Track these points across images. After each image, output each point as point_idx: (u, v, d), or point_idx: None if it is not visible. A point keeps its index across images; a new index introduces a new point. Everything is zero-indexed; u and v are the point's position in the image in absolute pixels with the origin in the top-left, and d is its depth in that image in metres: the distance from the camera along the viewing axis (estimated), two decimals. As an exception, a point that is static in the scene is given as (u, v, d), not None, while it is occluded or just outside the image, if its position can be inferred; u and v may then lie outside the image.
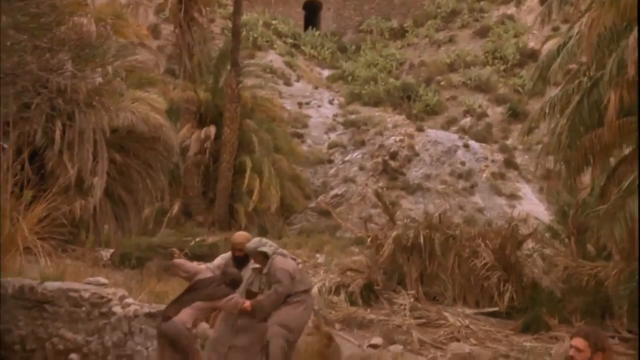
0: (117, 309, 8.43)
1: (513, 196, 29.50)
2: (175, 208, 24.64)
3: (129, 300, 8.60)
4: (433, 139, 31.54)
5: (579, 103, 11.36)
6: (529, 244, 13.80)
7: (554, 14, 12.95)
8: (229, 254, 7.82)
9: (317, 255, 19.07)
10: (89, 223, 14.55)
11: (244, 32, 35.81)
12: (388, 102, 36.07)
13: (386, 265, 12.99)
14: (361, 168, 30.50)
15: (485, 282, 12.51)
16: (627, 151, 11.51)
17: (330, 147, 32.85)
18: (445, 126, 34.35)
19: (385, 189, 28.54)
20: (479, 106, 35.40)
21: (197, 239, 14.43)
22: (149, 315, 8.21)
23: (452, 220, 14.39)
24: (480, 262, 12.60)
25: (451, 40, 41.01)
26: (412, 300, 12.03)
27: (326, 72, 40.65)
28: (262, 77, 31.09)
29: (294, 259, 7.70)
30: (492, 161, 31.21)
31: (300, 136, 33.24)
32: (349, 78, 38.86)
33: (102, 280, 9.10)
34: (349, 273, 13.09)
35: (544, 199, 28.49)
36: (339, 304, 11.98)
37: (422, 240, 12.83)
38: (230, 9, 31.60)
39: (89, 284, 8.88)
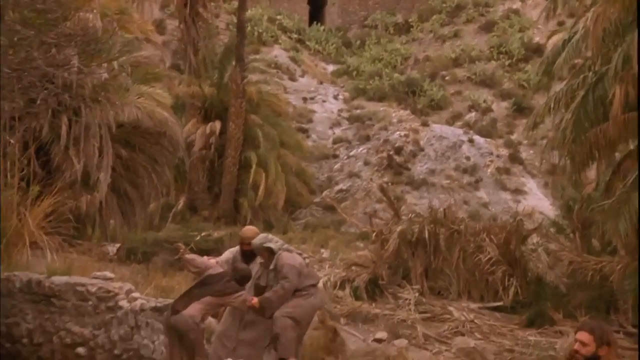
0: (124, 303, 8.47)
1: (518, 191, 29.50)
2: (181, 203, 24.69)
3: (136, 294, 8.64)
4: (438, 134, 31.53)
5: (584, 98, 11.34)
6: (534, 239, 13.82)
7: (559, 9, 12.93)
8: (236, 248, 7.85)
9: (322, 250, 19.08)
10: (95, 218, 14.60)
11: (249, 28, 35.82)
12: (393, 97, 36.07)
13: (391, 260, 13.03)
14: (366, 163, 30.52)
15: (490, 276, 12.54)
16: (632, 146, 11.49)
17: (335, 142, 32.87)
18: (450, 121, 34.35)
19: (390, 184, 28.57)
20: (484, 101, 35.37)
21: (203, 234, 14.46)
22: (155, 309, 8.25)
23: (456, 215, 14.42)
24: (485, 256, 12.63)
25: (456, 35, 40.95)
26: (417, 294, 12.07)
27: (331, 67, 40.65)
28: (267, 72, 31.11)
29: (300, 254, 7.74)
30: (497, 156, 31.20)
31: (305, 131, 33.25)
32: (354, 73, 38.86)
33: (109, 274, 9.14)
34: (354, 268, 13.13)
35: (549, 193, 28.47)
36: (344, 299, 12.02)
37: (427, 235, 12.87)
38: (235, 4, 31.60)
39: (95, 278, 8.92)
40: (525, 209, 20.92)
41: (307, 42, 42.11)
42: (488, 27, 40.71)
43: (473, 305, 12.06)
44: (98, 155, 13.89)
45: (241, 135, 25.17)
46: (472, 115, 34.75)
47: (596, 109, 11.20)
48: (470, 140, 31.49)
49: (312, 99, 36.20)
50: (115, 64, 14.29)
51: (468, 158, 30.56)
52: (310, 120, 34.33)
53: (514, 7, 42.01)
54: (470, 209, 27.23)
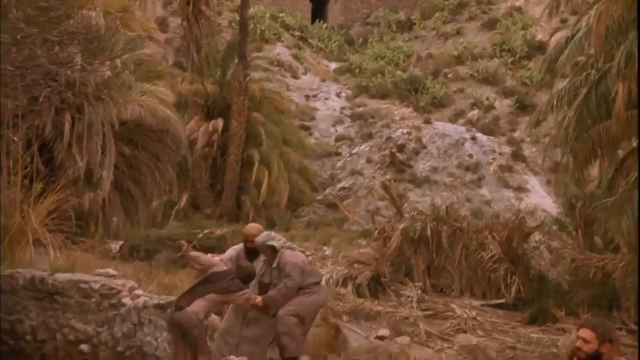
0: (127, 300, 8.48)
1: (520, 189, 29.48)
2: (183, 200, 24.73)
3: (139, 291, 8.64)
4: (440, 131, 31.51)
5: (587, 95, 11.35)
6: (536, 237, 13.84)
7: (562, 6, 12.93)
8: (240, 245, 7.86)
9: (325, 247, 19.11)
10: (98, 215, 14.62)
11: (252, 25, 35.82)
12: (395, 95, 36.05)
13: (393, 257, 13.05)
14: (368, 161, 30.51)
15: (493, 274, 12.57)
16: (635, 144, 11.50)
17: (337, 139, 32.86)
18: (453, 119, 34.31)
19: (392, 181, 28.56)
20: (487, 99, 35.33)
21: (205, 231, 14.48)
22: (158, 306, 8.25)
23: (459, 213, 14.45)
24: (488, 254, 12.65)
25: (459, 32, 40.91)
26: (419, 292, 12.10)
27: (333, 65, 40.61)
28: (269, 70, 31.10)
29: (302, 252, 7.75)
30: (500, 154, 31.18)
31: (307, 129, 33.25)
32: (356, 71, 38.83)
33: (112, 271, 9.14)
34: (356, 265, 13.15)
35: (552, 191, 28.46)
36: (347, 296, 12.05)
37: (429, 233, 12.89)
38: (238, 1, 31.62)
39: (98, 275, 8.93)
40: (527, 206, 20.93)
41: (310, 40, 42.08)
42: (491, 25, 40.66)
43: (475, 303, 12.08)
44: (101, 153, 13.90)
45: (244, 132, 25.19)
46: (474, 113, 34.72)
47: (599, 107, 11.21)
48: (473, 138, 31.47)
49: (314, 96, 36.19)
50: (118, 61, 14.29)
51: (470, 156, 30.55)
52: (312, 118, 34.33)
53: (517, 4, 41.94)
54: (472, 206, 27.23)
